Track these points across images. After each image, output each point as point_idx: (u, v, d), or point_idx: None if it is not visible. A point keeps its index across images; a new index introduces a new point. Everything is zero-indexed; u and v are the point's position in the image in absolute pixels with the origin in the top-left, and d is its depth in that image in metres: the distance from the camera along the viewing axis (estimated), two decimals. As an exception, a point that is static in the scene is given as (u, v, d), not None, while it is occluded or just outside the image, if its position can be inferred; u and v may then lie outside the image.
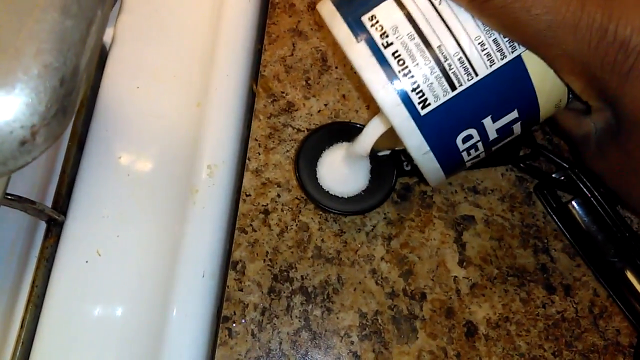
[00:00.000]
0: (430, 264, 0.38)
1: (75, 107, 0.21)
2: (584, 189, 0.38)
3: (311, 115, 0.42)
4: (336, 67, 0.43)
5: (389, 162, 0.38)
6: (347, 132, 0.39)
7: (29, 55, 0.19)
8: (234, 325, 0.37)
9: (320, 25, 0.45)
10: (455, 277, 0.38)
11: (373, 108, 0.42)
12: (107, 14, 0.24)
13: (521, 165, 0.40)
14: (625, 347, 0.36)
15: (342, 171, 0.38)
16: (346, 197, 0.38)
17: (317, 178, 0.39)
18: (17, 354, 0.36)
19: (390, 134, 0.34)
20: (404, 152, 0.39)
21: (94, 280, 0.38)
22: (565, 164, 0.38)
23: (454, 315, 0.37)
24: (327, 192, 0.38)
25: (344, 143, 0.39)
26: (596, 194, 0.37)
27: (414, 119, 0.28)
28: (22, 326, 0.36)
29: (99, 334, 0.37)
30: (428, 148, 0.29)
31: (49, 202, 0.40)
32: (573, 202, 0.38)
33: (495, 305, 0.37)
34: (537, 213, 0.39)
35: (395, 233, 0.39)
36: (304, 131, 0.42)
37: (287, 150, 0.41)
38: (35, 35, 0.19)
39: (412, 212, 0.39)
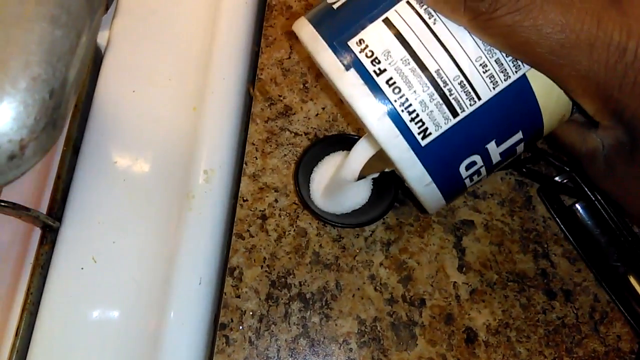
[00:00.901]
0: (429, 269, 0.38)
1: (65, 119, 0.21)
2: (588, 192, 0.37)
3: (309, 118, 0.42)
4: (334, 70, 0.43)
5: (389, 173, 0.38)
6: (344, 143, 0.39)
7: (17, 68, 0.19)
8: (232, 332, 0.37)
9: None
10: (455, 282, 0.38)
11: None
12: (98, 23, 0.23)
13: (522, 170, 0.39)
14: (626, 353, 0.36)
15: (334, 192, 0.37)
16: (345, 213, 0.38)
17: (312, 197, 0.38)
18: (12, 362, 0.36)
19: (379, 156, 0.33)
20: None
21: (90, 287, 0.37)
22: (566, 167, 0.38)
23: (454, 322, 0.37)
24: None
25: (333, 156, 0.39)
26: (599, 197, 0.37)
27: (414, 150, 0.26)
28: (17, 334, 0.36)
29: (95, 341, 0.36)
30: (430, 179, 0.27)
31: (44, 208, 0.39)
32: (577, 205, 0.38)
33: (495, 311, 0.37)
34: (537, 217, 0.39)
35: (394, 238, 0.39)
36: (301, 135, 0.41)
37: (285, 155, 0.41)
38: (23, 47, 0.19)
39: (411, 217, 0.39)
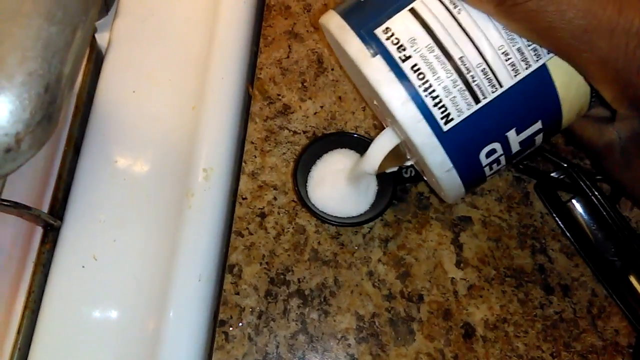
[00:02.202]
0: (427, 265, 0.38)
1: (60, 113, 0.21)
2: (584, 188, 0.37)
3: (307, 117, 0.42)
4: (332, 69, 0.43)
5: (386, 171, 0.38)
6: (343, 141, 0.39)
7: (13, 63, 0.19)
8: (231, 329, 0.37)
9: (317, 27, 0.45)
10: (453, 278, 0.38)
11: (370, 110, 0.42)
12: (94, 19, 0.23)
13: (519, 166, 0.39)
14: (624, 347, 0.36)
15: (339, 195, 0.38)
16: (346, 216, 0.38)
17: (310, 196, 0.38)
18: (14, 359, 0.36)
19: (397, 150, 0.34)
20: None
21: (91, 285, 0.38)
22: (563, 163, 0.38)
23: (452, 317, 0.37)
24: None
25: (331, 154, 0.39)
26: (596, 192, 0.37)
27: (436, 135, 0.27)
28: (19, 332, 0.36)
29: (96, 339, 0.37)
30: (451, 165, 0.28)
31: (45, 207, 0.40)
32: (573, 201, 0.38)
33: (493, 306, 0.37)
34: (534, 213, 0.39)
35: (392, 235, 0.39)
36: (300, 133, 0.41)
37: (284, 153, 0.41)
38: (19, 43, 0.19)
39: (409, 214, 0.39)
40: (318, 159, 0.39)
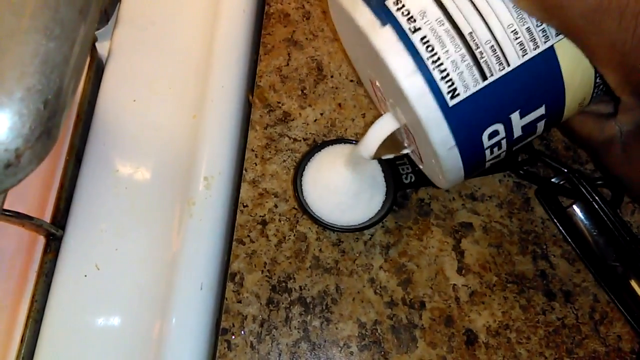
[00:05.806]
0: (429, 272, 0.38)
1: (60, 128, 0.21)
2: (585, 193, 0.37)
3: (307, 124, 0.42)
4: (332, 76, 0.43)
5: (388, 176, 0.38)
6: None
7: (12, 79, 0.19)
8: (233, 337, 0.37)
9: (316, 34, 0.45)
10: (454, 285, 0.38)
11: (370, 116, 0.42)
12: (91, 32, 0.24)
13: (520, 171, 0.39)
14: (627, 353, 0.36)
15: (339, 198, 0.38)
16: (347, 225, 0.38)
17: (309, 205, 0.38)
18: (18, 369, 0.36)
19: (395, 137, 0.33)
20: (403, 165, 0.38)
21: (93, 294, 0.38)
22: (563, 169, 0.38)
23: (454, 324, 0.37)
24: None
25: (321, 155, 0.39)
26: (597, 197, 0.37)
27: (441, 110, 0.26)
28: (22, 341, 0.37)
29: (99, 347, 0.37)
30: (454, 142, 0.28)
31: (47, 217, 0.40)
32: (574, 207, 0.38)
33: (495, 312, 0.37)
34: (535, 219, 0.39)
35: (393, 242, 0.39)
36: (300, 140, 0.42)
37: (284, 160, 0.41)
38: (18, 59, 0.19)
39: (410, 220, 0.39)
40: (316, 164, 0.39)
